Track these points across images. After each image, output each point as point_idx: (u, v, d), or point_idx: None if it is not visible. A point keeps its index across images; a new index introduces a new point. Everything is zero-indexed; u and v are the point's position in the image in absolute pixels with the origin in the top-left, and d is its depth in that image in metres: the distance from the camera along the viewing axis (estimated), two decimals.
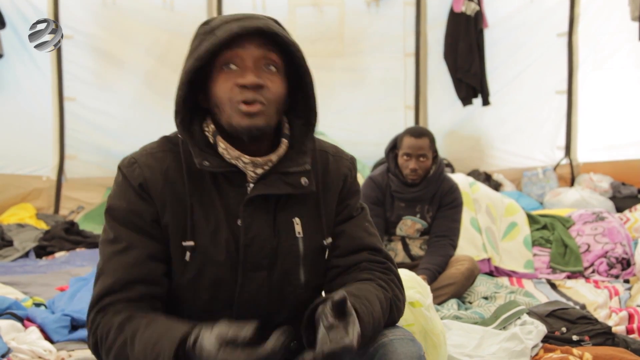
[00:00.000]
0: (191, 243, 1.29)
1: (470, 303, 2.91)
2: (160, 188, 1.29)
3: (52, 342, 2.30)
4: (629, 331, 2.41)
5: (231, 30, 1.24)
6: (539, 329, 2.27)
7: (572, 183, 5.48)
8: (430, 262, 2.96)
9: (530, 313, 2.44)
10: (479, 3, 5.34)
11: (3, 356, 2.08)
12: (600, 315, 2.63)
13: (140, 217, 1.28)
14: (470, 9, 5.29)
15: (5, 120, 5.14)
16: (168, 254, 1.30)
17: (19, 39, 5.00)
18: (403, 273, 1.93)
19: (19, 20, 4.99)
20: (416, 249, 3.15)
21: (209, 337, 1.06)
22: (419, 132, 3.09)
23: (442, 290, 2.87)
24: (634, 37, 4.81)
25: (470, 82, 5.35)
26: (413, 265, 3.04)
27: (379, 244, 1.43)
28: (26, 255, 3.96)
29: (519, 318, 2.39)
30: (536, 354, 2.18)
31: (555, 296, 3.11)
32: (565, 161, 5.57)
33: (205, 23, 1.32)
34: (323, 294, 1.43)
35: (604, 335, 2.27)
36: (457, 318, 2.56)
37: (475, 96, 5.44)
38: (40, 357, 2.16)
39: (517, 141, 5.65)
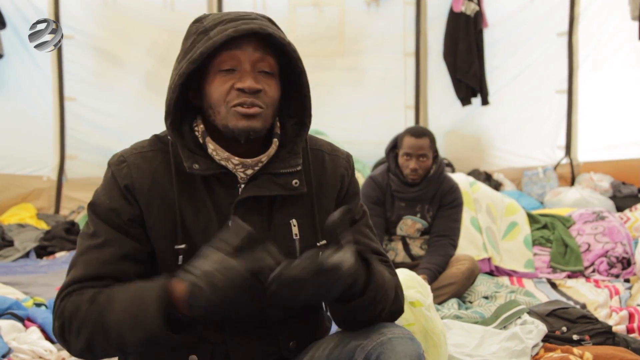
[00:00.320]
0: (183, 246, 1.28)
1: (471, 302, 2.91)
2: (147, 190, 1.28)
3: (52, 342, 2.30)
4: (630, 330, 2.41)
5: (226, 33, 1.22)
6: (540, 329, 2.27)
7: (572, 182, 5.47)
8: (430, 262, 2.96)
9: (531, 312, 2.44)
10: (479, 3, 5.34)
11: (4, 356, 2.08)
12: (600, 314, 2.63)
13: (120, 217, 1.27)
14: (470, 8, 5.29)
15: (6, 120, 5.14)
16: (146, 257, 1.29)
17: (19, 39, 4.99)
18: (403, 273, 1.94)
19: (19, 21, 4.99)
20: (416, 248, 3.15)
21: (210, 257, 1.10)
22: (419, 131, 3.10)
23: (443, 290, 2.87)
24: (634, 37, 4.81)
25: (470, 82, 5.35)
26: (413, 265, 3.05)
27: (382, 249, 1.43)
28: (27, 255, 3.97)
29: (520, 317, 2.39)
30: (536, 354, 2.18)
31: (555, 296, 3.11)
32: (565, 161, 5.56)
33: (198, 21, 1.30)
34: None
35: (605, 335, 2.27)
36: (457, 318, 2.56)
37: (475, 96, 5.44)
38: (40, 357, 2.16)
39: (517, 141, 5.64)
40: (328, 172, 1.40)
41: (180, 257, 1.28)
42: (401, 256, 3.14)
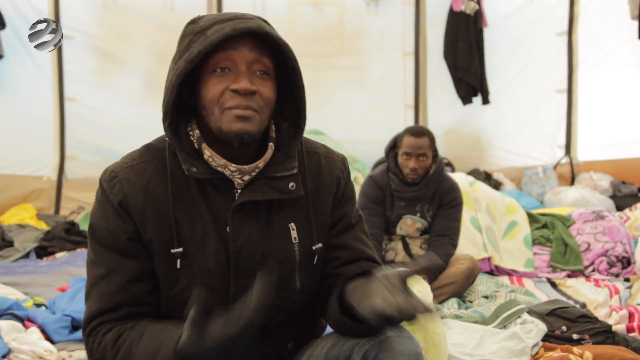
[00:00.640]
0: (180, 250, 1.28)
1: (471, 302, 2.91)
2: (141, 204, 1.28)
3: (52, 342, 2.30)
4: (629, 330, 2.41)
5: (224, 31, 1.20)
6: (539, 328, 2.27)
7: (572, 182, 5.48)
8: None
9: (531, 312, 2.44)
10: (479, 2, 5.34)
11: (4, 357, 2.08)
12: (600, 313, 2.63)
13: (119, 237, 1.27)
14: (469, 7, 5.29)
15: (6, 120, 5.14)
16: (151, 271, 1.29)
17: (19, 40, 5.00)
18: None
19: (19, 21, 4.99)
20: (416, 248, 3.15)
21: (187, 340, 1.08)
22: (419, 131, 3.10)
23: (443, 290, 2.87)
24: (633, 36, 4.81)
25: (470, 81, 5.35)
26: None
27: (376, 255, 1.43)
28: (27, 255, 3.97)
29: (519, 317, 2.40)
30: (536, 353, 2.18)
31: (555, 295, 3.11)
32: (565, 160, 5.57)
33: (193, 22, 1.28)
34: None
35: (604, 334, 2.27)
36: (457, 317, 2.56)
37: (475, 95, 5.44)
38: (40, 358, 2.16)
39: (517, 140, 5.65)
40: (324, 175, 1.40)
41: (179, 260, 1.28)
42: (401, 256, 3.14)
